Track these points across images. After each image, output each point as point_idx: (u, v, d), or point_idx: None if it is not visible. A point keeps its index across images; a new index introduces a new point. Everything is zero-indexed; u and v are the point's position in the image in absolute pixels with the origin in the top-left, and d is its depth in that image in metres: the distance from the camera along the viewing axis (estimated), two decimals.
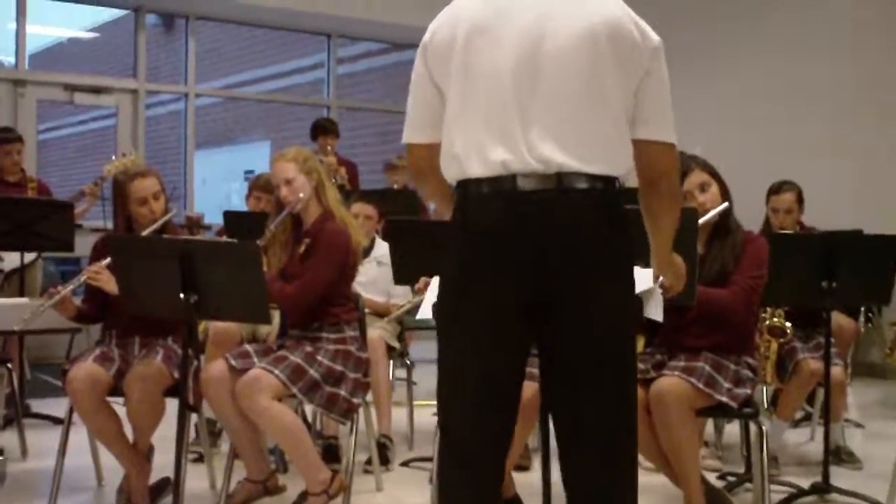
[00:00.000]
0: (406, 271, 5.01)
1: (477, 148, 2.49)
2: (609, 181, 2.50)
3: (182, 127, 10.14)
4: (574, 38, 2.47)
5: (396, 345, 5.60)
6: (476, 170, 2.50)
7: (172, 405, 4.16)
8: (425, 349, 7.52)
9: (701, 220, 3.80)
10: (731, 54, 9.14)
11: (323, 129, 8.43)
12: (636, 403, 2.61)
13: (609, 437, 2.52)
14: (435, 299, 2.68)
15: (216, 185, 15.66)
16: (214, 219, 9.23)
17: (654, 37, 2.56)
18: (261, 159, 15.96)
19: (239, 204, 12.68)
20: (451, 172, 2.59)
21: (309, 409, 4.84)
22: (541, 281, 2.46)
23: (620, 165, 2.54)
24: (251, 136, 16.86)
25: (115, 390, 4.28)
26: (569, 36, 2.47)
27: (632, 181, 2.64)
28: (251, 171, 15.84)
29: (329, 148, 8.19)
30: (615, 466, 2.54)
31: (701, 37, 9.12)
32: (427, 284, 4.37)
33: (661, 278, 2.98)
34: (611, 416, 2.51)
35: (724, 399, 3.78)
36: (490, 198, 2.49)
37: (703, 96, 8.85)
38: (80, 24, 15.62)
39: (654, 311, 3.03)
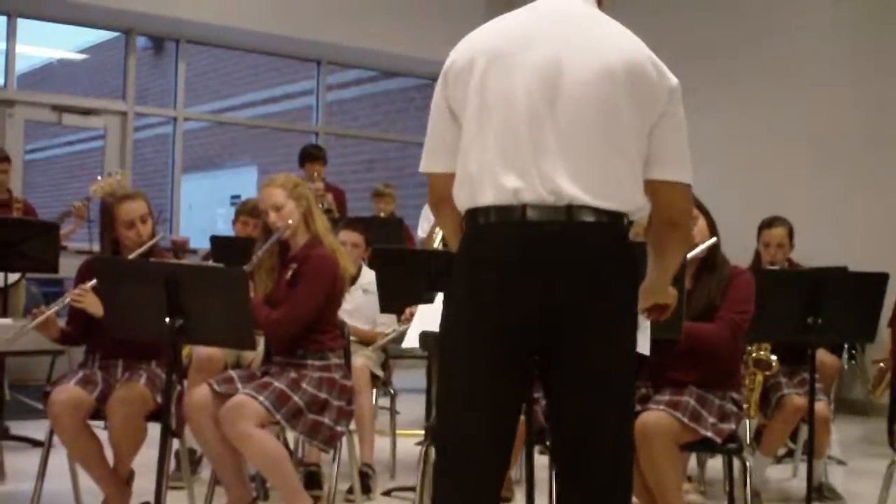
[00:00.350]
0: (392, 299, 5.00)
1: (490, 172, 2.50)
2: (617, 216, 2.51)
3: (170, 151, 10.13)
4: (592, 73, 2.48)
5: (380, 373, 5.59)
6: (488, 196, 2.50)
7: (154, 430, 4.13)
8: (408, 378, 7.55)
9: (689, 255, 3.80)
10: (712, 93, 9.19)
11: (311, 156, 8.42)
12: (632, 442, 2.62)
13: (611, 468, 2.53)
14: (421, 328, 2.68)
15: (202, 210, 15.64)
16: (200, 243, 9.23)
17: (672, 78, 2.57)
18: (247, 184, 15.98)
19: (225, 229, 12.67)
20: (463, 196, 2.59)
21: (291, 435, 4.81)
22: (545, 312, 2.46)
23: (631, 202, 2.54)
24: (238, 161, 16.87)
25: (97, 413, 4.26)
26: (587, 71, 2.48)
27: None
28: (237, 196, 15.83)
29: (316, 174, 8.19)
30: (613, 494, 2.54)
31: (682, 76, 9.16)
32: (413, 314, 4.37)
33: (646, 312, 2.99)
34: (613, 451, 2.52)
35: (709, 434, 3.78)
36: (498, 226, 2.50)
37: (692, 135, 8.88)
38: (69, 45, 15.62)
39: (642, 344, 3.03)
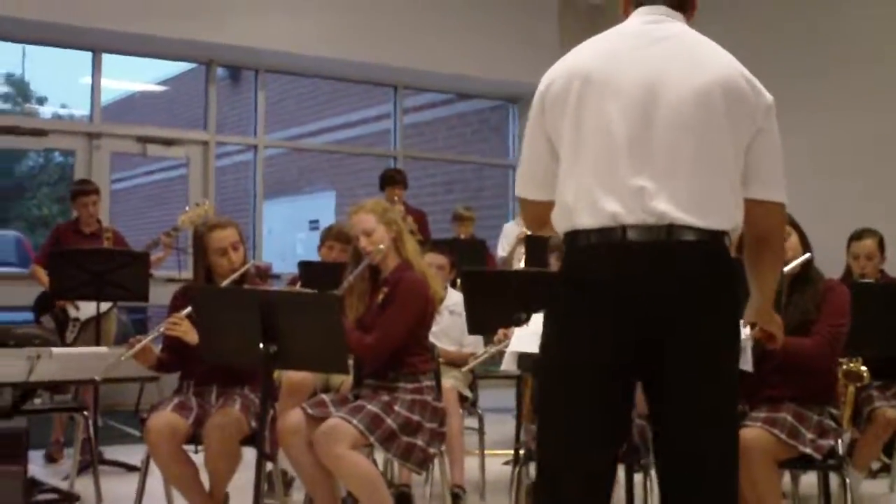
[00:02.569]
0: (481, 321, 5.02)
1: (588, 198, 2.51)
2: (718, 234, 2.50)
3: (251, 178, 10.27)
4: (688, 94, 2.49)
5: (469, 394, 5.60)
6: (586, 220, 2.51)
7: (248, 453, 4.19)
8: (495, 398, 7.54)
9: (785, 269, 3.76)
10: (801, 109, 9.08)
11: (391, 180, 8.48)
12: (737, 459, 2.60)
13: (718, 491, 2.55)
14: (518, 349, 2.69)
15: (281, 235, 15.81)
16: (280, 268, 9.34)
17: (767, 95, 2.58)
18: (325, 209, 16.11)
19: (304, 253, 12.79)
20: (561, 223, 2.60)
21: (380, 456, 4.84)
22: (647, 330, 2.47)
23: (730, 220, 2.55)
24: (316, 186, 17.03)
25: (193, 438, 4.32)
26: (682, 92, 2.49)
27: None
28: (316, 221, 15.99)
29: (396, 198, 8.23)
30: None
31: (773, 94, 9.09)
32: (505, 336, 4.38)
33: (755, 328, 2.97)
34: (719, 470, 2.52)
35: (808, 450, 3.73)
36: (598, 248, 2.51)
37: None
38: (149, 77, 15.94)
39: (744, 361, 3.01)
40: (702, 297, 2.47)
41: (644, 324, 2.46)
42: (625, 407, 2.60)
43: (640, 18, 2.68)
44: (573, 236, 2.56)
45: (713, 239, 2.49)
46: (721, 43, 2.65)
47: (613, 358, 2.50)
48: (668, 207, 2.45)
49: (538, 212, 2.73)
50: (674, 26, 2.64)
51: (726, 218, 2.52)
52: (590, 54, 2.63)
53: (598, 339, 2.50)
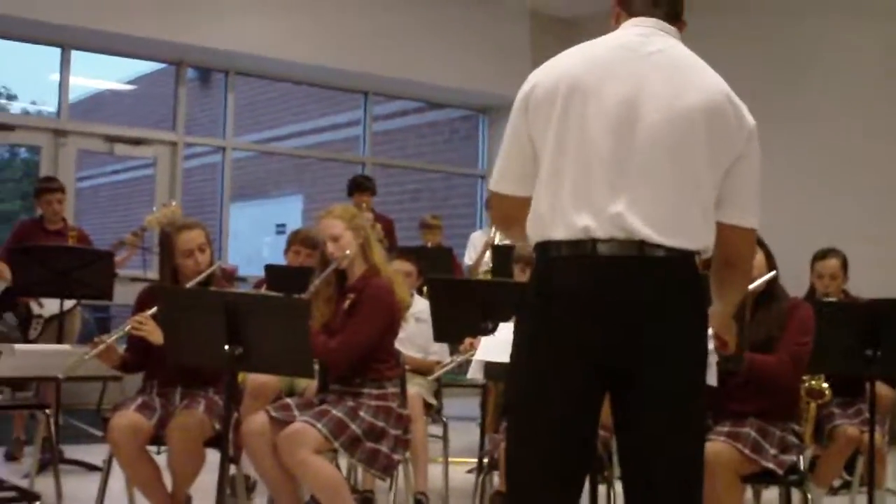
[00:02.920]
0: (447, 329, 5.02)
1: (562, 211, 2.52)
2: (688, 254, 2.52)
3: (218, 180, 10.23)
4: (669, 115, 2.50)
5: (433, 402, 5.60)
6: (558, 232, 2.52)
7: (211, 455, 4.17)
8: (459, 406, 7.55)
9: (749, 287, 3.79)
10: (769, 127, 9.16)
11: (360, 187, 8.49)
12: (702, 471, 2.61)
13: (688, 498, 2.56)
14: (484, 359, 2.70)
15: (248, 239, 15.74)
16: (246, 271, 9.31)
17: (750, 120, 2.58)
18: (293, 213, 16.06)
19: (270, 257, 12.72)
20: (534, 232, 2.61)
21: (344, 462, 4.83)
22: (616, 344, 2.48)
23: (701, 241, 2.56)
24: (283, 190, 16.97)
25: (156, 439, 4.30)
26: (664, 113, 2.50)
27: None
28: (283, 225, 15.93)
29: (364, 205, 8.23)
30: None
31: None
32: (472, 345, 4.39)
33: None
34: (684, 482, 2.54)
35: (771, 465, 3.76)
36: (569, 260, 2.52)
37: None
38: (119, 75, 15.81)
39: (709, 376, 3.03)
40: (669, 310, 2.48)
41: (611, 334, 2.47)
42: (596, 411, 2.60)
43: (632, 30, 2.65)
44: (544, 247, 2.56)
45: (681, 257, 2.50)
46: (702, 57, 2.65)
47: (580, 367, 2.50)
48: (639, 225, 2.46)
49: (509, 208, 2.71)
50: (665, 41, 2.62)
51: (697, 239, 2.53)
52: (579, 63, 2.61)
53: (565, 349, 2.51)
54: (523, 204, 2.64)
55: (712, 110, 2.51)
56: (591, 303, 2.48)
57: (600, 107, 2.52)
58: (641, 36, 2.63)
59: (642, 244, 2.46)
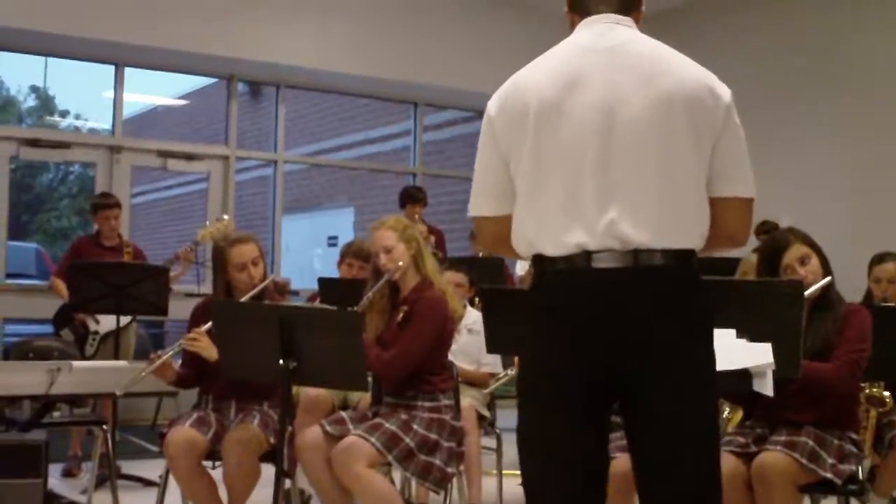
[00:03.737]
0: (499, 340, 5.00)
1: (551, 231, 2.49)
2: (686, 254, 2.49)
3: (271, 193, 10.29)
4: (644, 109, 2.45)
5: (487, 413, 5.58)
6: (549, 251, 2.50)
7: (266, 470, 4.19)
8: (513, 418, 7.53)
9: (805, 294, 3.75)
10: (821, 125, 9.07)
11: (412, 198, 8.49)
12: (718, 481, 2.57)
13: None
14: None
15: (299, 251, 15.83)
16: (299, 284, 9.35)
17: (726, 93, 2.52)
18: (344, 225, 16.13)
19: (322, 269, 12.79)
20: (524, 250, 2.59)
21: (398, 475, 4.83)
22: (617, 358, 2.45)
23: (697, 236, 2.52)
24: (335, 202, 17.05)
25: (211, 454, 4.33)
26: (638, 107, 2.46)
27: None
28: (335, 237, 16.01)
29: (417, 216, 8.25)
30: None
31: (786, 112, 9.09)
32: None
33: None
34: (692, 498, 2.50)
35: (829, 475, 3.70)
36: (565, 274, 2.49)
37: (789, 169, 8.81)
38: (170, 91, 16.04)
39: (764, 385, 3.00)
40: (670, 322, 2.44)
41: (612, 349, 2.44)
42: (604, 424, 2.57)
43: (588, 30, 2.61)
44: (539, 259, 2.54)
45: (680, 260, 2.46)
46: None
47: (586, 379, 2.47)
48: (632, 232, 2.42)
49: (497, 229, 2.67)
50: (623, 33, 2.58)
51: (694, 235, 2.50)
52: (541, 75, 2.57)
53: (564, 363, 2.48)
54: (507, 221, 2.62)
55: (685, 93, 2.46)
56: (589, 317, 2.45)
57: (573, 116, 2.48)
58: (597, 35, 2.58)
59: (637, 253, 2.43)
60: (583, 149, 2.47)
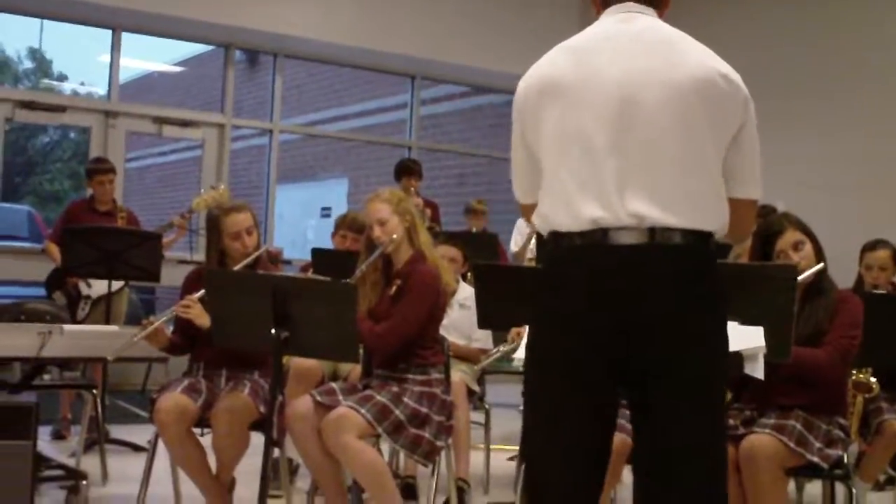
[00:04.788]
0: (491, 315, 5.00)
1: (567, 207, 2.50)
2: (704, 236, 2.49)
3: (265, 162, 10.28)
4: (664, 95, 2.47)
5: (476, 388, 5.60)
6: (565, 225, 2.51)
7: (255, 438, 4.20)
8: (501, 393, 7.56)
9: (798, 279, 3.75)
10: (816, 115, 9.07)
11: (407, 170, 8.47)
12: (725, 465, 2.58)
13: (708, 489, 2.51)
14: None
15: (293, 221, 15.81)
16: (290, 254, 9.36)
17: (743, 88, 2.53)
18: (338, 197, 16.11)
19: (315, 240, 12.78)
20: (542, 225, 2.61)
21: (386, 447, 4.84)
22: (630, 336, 2.45)
23: (716, 221, 2.53)
24: (329, 173, 17.02)
25: (201, 421, 4.33)
26: (659, 93, 2.47)
27: None
28: (328, 208, 16.00)
29: (412, 189, 8.24)
30: None
31: (784, 105, 9.09)
32: (518, 335, 4.38)
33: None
34: (703, 473, 2.50)
35: (816, 459, 3.72)
36: (581, 250, 2.50)
37: (788, 158, 8.82)
38: (167, 57, 15.96)
39: (755, 368, 3.01)
40: (686, 302, 2.45)
41: (625, 328, 2.44)
42: (612, 402, 2.58)
43: (610, 18, 2.64)
44: (556, 237, 2.55)
45: (697, 240, 2.47)
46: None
47: (597, 355, 2.48)
48: (649, 210, 2.43)
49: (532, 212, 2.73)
50: (645, 21, 2.60)
51: (711, 218, 2.50)
52: (563, 62, 2.60)
53: (576, 339, 2.49)
54: None
55: (705, 83, 2.47)
56: (604, 293, 2.45)
57: (593, 98, 2.50)
58: (620, 21, 2.61)
59: (653, 230, 2.43)
60: (600, 129, 2.48)
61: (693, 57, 2.52)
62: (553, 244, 2.57)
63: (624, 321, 2.44)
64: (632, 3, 2.63)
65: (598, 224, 2.45)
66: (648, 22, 2.61)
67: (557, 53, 2.64)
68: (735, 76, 2.53)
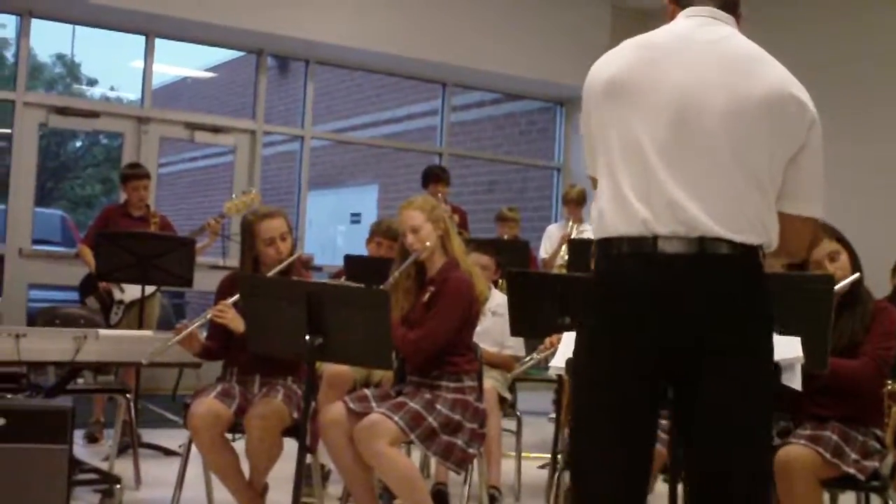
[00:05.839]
0: (523, 323, 5.01)
1: (622, 205, 2.50)
2: (752, 249, 2.47)
3: (296, 169, 10.31)
4: (729, 106, 2.46)
5: (508, 396, 5.60)
6: (618, 225, 2.50)
7: (289, 444, 4.21)
8: (532, 401, 7.54)
9: (834, 289, 3.73)
10: (854, 122, 9.00)
11: (435, 177, 8.47)
12: (768, 479, 2.58)
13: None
14: (570, 353, 2.69)
15: (322, 227, 15.85)
16: (321, 260, 9.37)
17: (812, 109, 2.52)
18: (368, 203, 16.13)
19: (345, 246, 12.80)
20: (596, 227, 2.60)
21: (417, 454, 4.85)
22: (678, 345, 2.45)
23: (765, 234, 2.51)
24: (359, 179, 17.04)
25: (234, 427, 4.35)
26: (724, 105, 2.46)
27: None
28: (358, 215, 16.02)
29: (440, 195, 8.23)
30: None
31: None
32: (552, 343, 4.37)
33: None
34: (752, 493, 2.50)
35: (852, 470, 3.70)
36: (630, 258, 2.49)
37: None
38: (199, 63, 16.02)
39: (792, 378, 3.00)
40: (733, 314, 2.44)
41: (672, 338, 2.44)
42: (656, 412, 2.58)
43: (687, 21, 2.62)
44: (605, 244, 2.55)
45: (746, 253, 2.45)
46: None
47: (645, 365, 2.48)
48: (701, 218, 2.42)
49: None
50: (722, 29, 2.58)
51: (760, 232, 2.48)
52: (634, 56, 2.59)
53: (626, 349, 2.49)
54: None
55: (774, 101, 2.46)
56: (652, 303, 2.45)
57: (657, 99, 2.49)
58: (697, 26, 2.59)
59: (703, 240, 2.42)
60: (659, 132, 2.48)
61: (772, 76, 2.50)
62: (602, 251, 2.56)
63: (672, 333, 2.44)
64: (709, 9, 2.61)
65: (648, 228, 2.45)
66: (727, 31, 2.59)
67: (629, 49, 2.63)
68: (807, 99, 2.51)
